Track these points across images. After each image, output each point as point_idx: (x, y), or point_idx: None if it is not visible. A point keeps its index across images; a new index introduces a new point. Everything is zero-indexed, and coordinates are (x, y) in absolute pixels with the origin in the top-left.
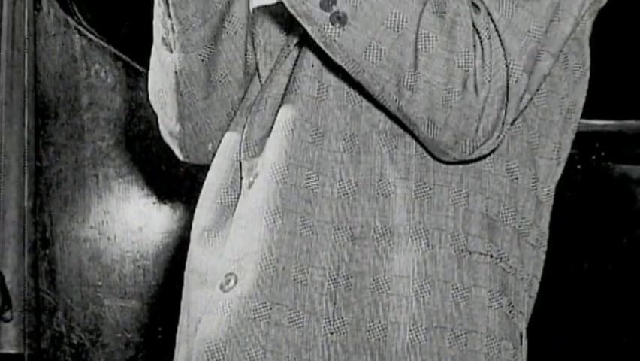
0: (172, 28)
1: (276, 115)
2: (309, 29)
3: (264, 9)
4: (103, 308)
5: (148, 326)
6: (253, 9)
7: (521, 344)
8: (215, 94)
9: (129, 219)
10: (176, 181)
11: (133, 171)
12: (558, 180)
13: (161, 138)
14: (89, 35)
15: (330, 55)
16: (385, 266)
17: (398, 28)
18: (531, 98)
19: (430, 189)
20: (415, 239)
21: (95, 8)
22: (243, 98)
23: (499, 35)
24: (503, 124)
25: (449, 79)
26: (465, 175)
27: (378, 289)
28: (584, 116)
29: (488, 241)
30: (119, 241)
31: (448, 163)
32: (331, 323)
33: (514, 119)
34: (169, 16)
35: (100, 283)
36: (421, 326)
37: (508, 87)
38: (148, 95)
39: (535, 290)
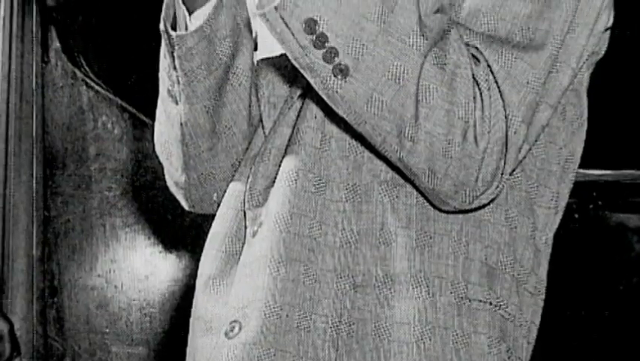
0: (177, 80)
1: (279, 165)
2: (312, 81)
3: (268, 61)
4: (110, 355)
5: None
6: (257, 61)
7: None
8: (220, 145)
9: (136, 268)
10: (181, 230)
11: (139, 220)
12: (556, 229)
13: (167, 188)
14: (96, 87)
15: (333, 106)
16: (387, 313)
17: (399, 80)
18: (530, 149)
19: (431, 237)
20: (416, 287)
21: (101, 61)
22: (247, 148)
23: (498, 87)
24: (502, 174)
25: (449, 130)
26: (465, 224)
27: (379, 336)
28: (581, 166)
29: (487, 288)
30: (125, 289)
31: (448, 212)
32: None
33: (513, 169)
34: (174, 68)
35: (107, 331)
36: None
37: (507, 138)
38: (154, 146)
39: (533, 336)
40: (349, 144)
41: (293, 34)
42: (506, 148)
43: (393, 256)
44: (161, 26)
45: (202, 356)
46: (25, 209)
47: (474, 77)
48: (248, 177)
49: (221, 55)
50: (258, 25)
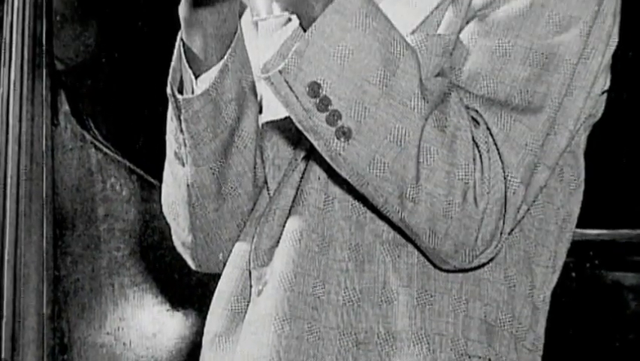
0: (184, 142)
1: (283, 226)
2: (315, 143)
3: (273, 124)
4: None
5: None
6: (262, 124)
7: None
8: (226, 206)
9: (144, 326)
10: (188, 289)
11: (147, 279)
12: (554, 287)
13: (174, 248)
14: (105, 150)
15: (336, 168)
16: None
17: (401, 142)
18: (528, 209)
19: (431, 296)
20: (417, 344)
21: (110, 124)
22: (252, 209)
23: (497, 149)
24: (501, 234)
25: (450, 191)
26: (465, 283)
27: None
28: (578, 225)
29: (487, 345)
30: (134, 346)
31: (448, 271)
32: None
33: (512, 229)
34: (181, 131)
35: None
36: None
37: (506, 199)
38: (161, 207)
39: None
40: (352, 204)
41: (297, 98)
42: (505, 209)
43: (394, 313)
44: (168, 90)
45: None
46: (36, 268)
47: (474, 140)
48: (253, 237)
49: (227, 118)
50: (263, 89)
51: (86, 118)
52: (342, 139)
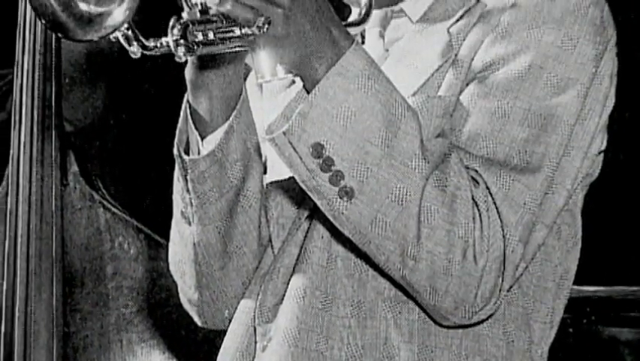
0: (190, 202)
1: (288, 283)
2: (318, 203)
3: (277, 184)
4: None
5: None
6: (267, 184)
7: None
8: (231, 264)
9: None
10: (195, 345)
11: (155, 336)
12: (551, 342)
13: (181, 305)
14: (113, 209)
15: (339, 227)
16: None
17: (402, 201)
18: (526, 266)
19: (432, 351)
20: None
21: (118, 184)
22: (257, 267)
23: (496, 208)
24: (500, 291)
25: (450, 249)
26: (464, 338)
27: None
28: (575, 282)
29: None
30: None
31: (448, 327)
32: None
33: (511, 286)
34: (188, 191)
35: None
36: None
37: (505, 256)
38: (168, 266)
39: None
40: (354, 262)
41: (301, 158)
42: (504, 266)
43: None
44: (175, 151)
45: None
46: (46, 325)
47: (473, 199)
48: (258, 294)
49: (232, 178)
50: (268, 150)
51: (94, 178)
52: (345, 199)
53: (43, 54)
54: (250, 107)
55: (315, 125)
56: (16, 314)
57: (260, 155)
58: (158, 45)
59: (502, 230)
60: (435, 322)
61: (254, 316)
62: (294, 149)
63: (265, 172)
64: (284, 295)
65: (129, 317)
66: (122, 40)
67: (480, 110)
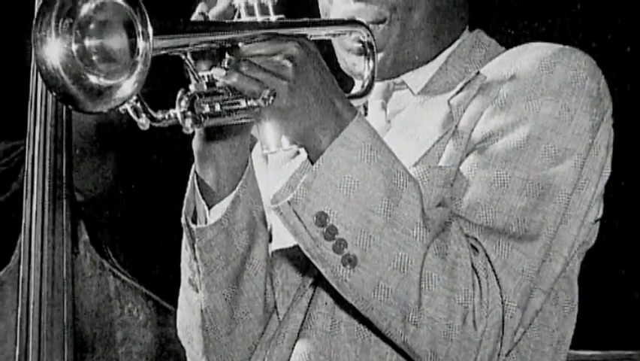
0: (198, 270)
1: (292, 349)
2: (322, 270)
3: (282, 252)
4: None
5: None
6: (272, 252)
7: None
8: (238, 330)
9: None
10: None
11: None
12: None
13: None
14: (123, 277)
15: (342, 293)
16: None
17: (404, 269)
18: (524, 331)
19: None
20: None
21: (127, 252)
22: (262, 333)
23: (495, 275)
24: (499, 355)
25: (450, 315)
26: None
27: None
28: (572, 346)
29: None
30: None
31: None
32: None
33: (509, 351)
34: (195, 259)
35: None
36: None
37: (503, 322)
38: (177, 332)
39: None
40: (357, 328)
41: (305, 227)
42: (503, 331)
43: None
44: (183, 220)
45: None
46: None
47: (473, 266)
48: (264, 359)
49: (239, 246)
50: (273, 219)
51: (104, 247)
52: (348, 266)
53: (54, 126)
54: (256, 177)
55: (319, 194)
56: None
57: (265, 224)
58: (166, 117)
59: (501, 296)
60: None
61: None
62: (299, 218)
63: (270, 240)
64: (289, 360)
65: None
66: (130, 112)
67: (480, 180)
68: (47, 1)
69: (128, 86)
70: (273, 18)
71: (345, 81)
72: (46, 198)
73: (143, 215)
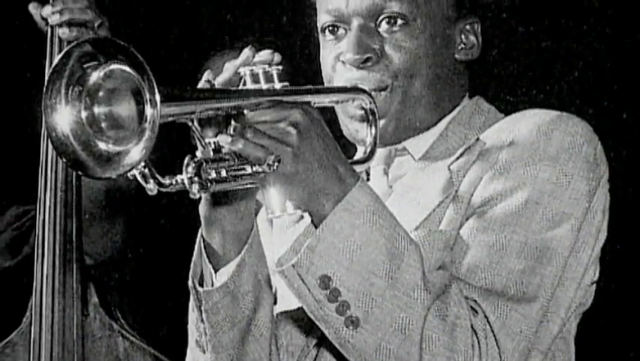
0: (204, 331)
1: None
2: (325, 331)
3: (287, 313)
4: None
5: None
6: (277, 314)
7: None
8: None
9: None
10: None
11: None
12: None
13: None
14: (131, 338)
15: (345, 354)
16: None
17: (405, 330)
18: None
19: None
20: None
21: (136, 314)
22: None
23: (494, 336)
24: None
25: None
26: None
27: None
28: None
29: None
30: None
31: None
32: None
33: None
34: (202, 320)
35: None
36: None
37: None
38: None
39: None
40: None
41: (309, 290)
42: None
43: None
44: (190, 283)
45: None
46: None
47: (473, 327)
48: None
49: (244, 308)
50: (278, 281)
51: (113, 309)
52: (351, 327)
53: (64, 191)
54: (261, 241)
55: (323, 258)
56: None
57: (270, 286)
58: (174, 182)
59: (500, 357)
60: None
61: None
62: (303, 281)
63: (275, 302)
64: None
65: None
66: (139, 177)
67: (479, 244)
68: (57, 69)
69: (136, 152)
70: (278, 85)
71: (348, 147)
72: (57, 262)
73: (151, 278)
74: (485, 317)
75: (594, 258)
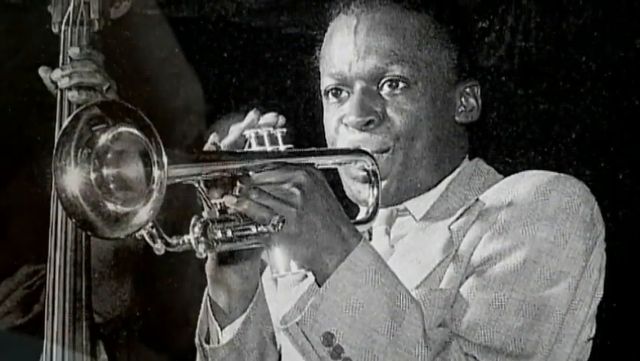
0: None
1: None
2: None
3: None
4: None
5: None
6: None
7: None
8: None
9: None
10: None
11: None
12: None
13: None
14: None
15: None
16: None
17: None
18: None
19: None
20: None
21: None
22: None
23: None
24: None
25: None
26: None
27: None
28: None
29: None
30: None
31: None
32: None
33: None
34: None
35: None
36: None
37: None
38: None
39: None
40: None
41: (312, 347)
42: None
43: None
44: (196, 340)
45: None
46: None
47: None
48: None
49: None
50: (282, 338)
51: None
52: None
53: (73, 251)
54: (266, 300)
55: (326, 316)
56: None
57: (275, 343)
58: (181, 242)
59: None
60: None
61: None
62: (307, 338)
63: (280, 359)
64: None
65: None
66: (146, 237)
67: (479, 302)
68: (67, 132)
69: (144, 213)
70: (282, 148)
71: (350, 208)
72: (67, 320)
73: (159, 335)
74: None
75: (591, 315)
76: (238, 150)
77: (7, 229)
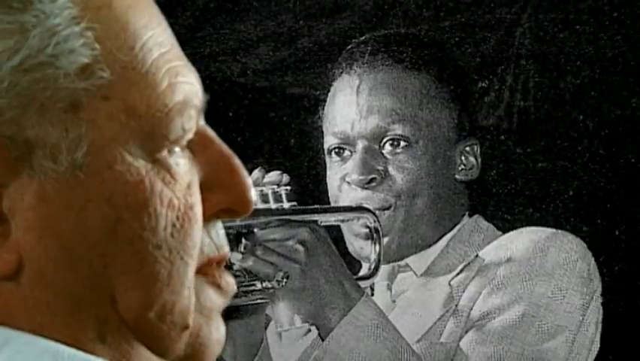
0: None
1: None
2: None
3: None
4: None
5: None
6: None
7: None
8: None
9: None
10: None
11: None
12: None
13: None
14: None
15: None
16: None
17: None
18: None
19: None
20: None
21: None
22: None
23: None
24: None
25: None
26: None
27: None
28: None
29: None
30: None
31: None
32: None
33: None
34: None
35: None
36: None
37: None
38: None
39: None
40: None
41: None
42: None
43: None
44: None
45: None
46: None
47: None
48: None
49: None
50: None
51: None
52: None
53: None
54: (270, 353)
55: None
56: None
57: None
58: None
59: None
60: None
61: None
62: None
63: None
64: None
65: None
66: None
67: (478, 355)
68: None
69: None
70: (286, 205)
71: (353, 263)
72: None
73: None
74: None
75: None
76: None
77: None
